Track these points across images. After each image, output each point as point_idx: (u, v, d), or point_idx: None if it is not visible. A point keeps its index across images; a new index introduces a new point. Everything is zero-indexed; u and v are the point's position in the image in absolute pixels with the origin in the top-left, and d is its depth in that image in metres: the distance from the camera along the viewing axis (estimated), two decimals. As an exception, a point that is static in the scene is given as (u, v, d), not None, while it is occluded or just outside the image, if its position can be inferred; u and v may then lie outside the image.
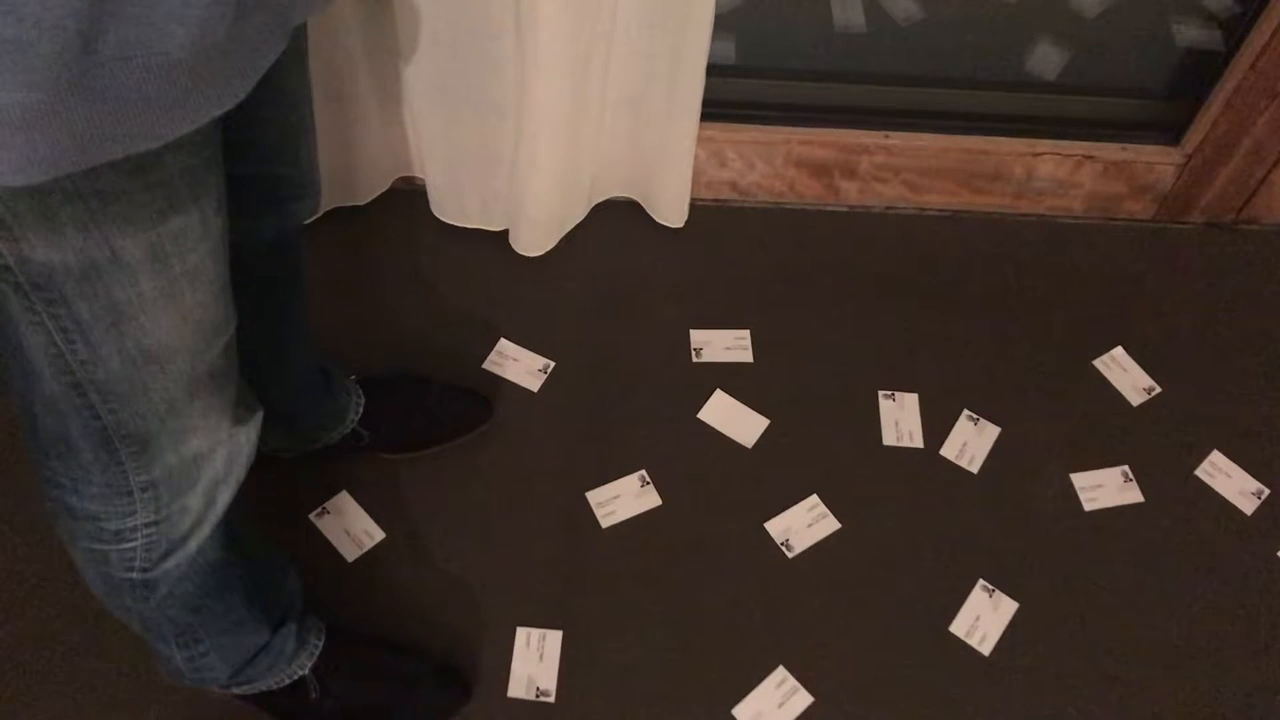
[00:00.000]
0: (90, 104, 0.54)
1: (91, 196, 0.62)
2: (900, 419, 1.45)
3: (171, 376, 0.75)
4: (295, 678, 1.12)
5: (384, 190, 1.59)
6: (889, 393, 1.47)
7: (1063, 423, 1.46)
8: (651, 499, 1.36)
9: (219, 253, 0.73)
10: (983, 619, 1.30)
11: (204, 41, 0.55)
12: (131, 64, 0.54)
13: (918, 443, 1.43)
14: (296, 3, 0.63)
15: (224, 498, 0.89)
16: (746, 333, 1.51)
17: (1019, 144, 1.58)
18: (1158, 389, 1.50)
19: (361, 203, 1.58)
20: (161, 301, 0.70)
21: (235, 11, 0.55)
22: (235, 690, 1.11)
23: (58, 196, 0.61)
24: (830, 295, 1.56)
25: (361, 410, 1.31)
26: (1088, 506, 1.39)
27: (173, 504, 0.84)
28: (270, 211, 0.98)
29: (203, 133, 0.65)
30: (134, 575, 0.89)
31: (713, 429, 1.42)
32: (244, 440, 0.88)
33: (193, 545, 0.90)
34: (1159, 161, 1.59)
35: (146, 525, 0.85)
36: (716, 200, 1.64)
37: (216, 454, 0.85)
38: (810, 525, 1.35)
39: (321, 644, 1.14)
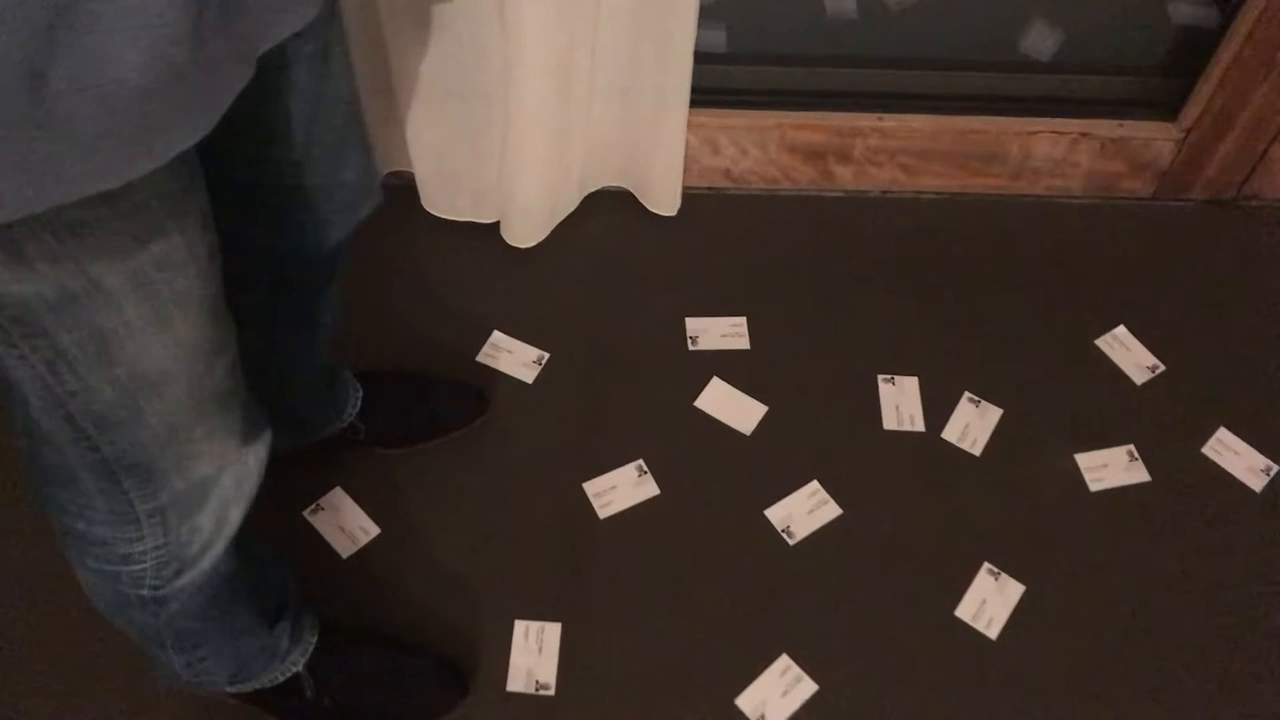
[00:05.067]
0: (45, 140, 0.51)
1: (61, 228, 0.59)
2: (900, 403, 1.43)
3: (170, 402, 0.73)
4: (289, 675, 1.10)
5: (374, 186, 1.58)
6: (888, 377, 1.45)
7: (1066, 403, 1.44)
8: (649, 488, 1.34)
9: (209, 274, 0.71)
10: (989, 602, 1.28)
11: (161, 67, 0.52)
12: (86, 95, 0.50)
13: (919, 426, 1.41)
14: (263, 30, 0.59)
15: (235, 516, 0.88)
16: (743, 320, 1.49)
17: (1014, 123, 1.56)
18: (1161, 367, 1.48)
19: (352, 199, 1.56)
20: (151, 328, 0.68)
21: (193, 34, 0.52)
22: (230, 689, 1.09)
23: (23, 229, 0.58)
24: (827, 280, 1.54)
25: (360, 404, 1.30)
26: (1093, 487, 1.37)
27: (181, 526, 0.83)
28: (330, 220, 0.96)
29: (179, 154, 0.61)
30: (145, 593, 0.87)
31: (710, 417, 1.40)
32: (253, 460, 0.86)
33: (206, 563, 0.88)
34: (1157, 138, 1.57)
35: (156, 548, 0.83)
36: (710, 188, 1.62)
37: (224, 476, 0.83)
38: (811, 512, 1.33)
39: (315, 640, 1.12)
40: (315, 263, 1.01)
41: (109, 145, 0.53)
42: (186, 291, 0.69)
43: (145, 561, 0.84)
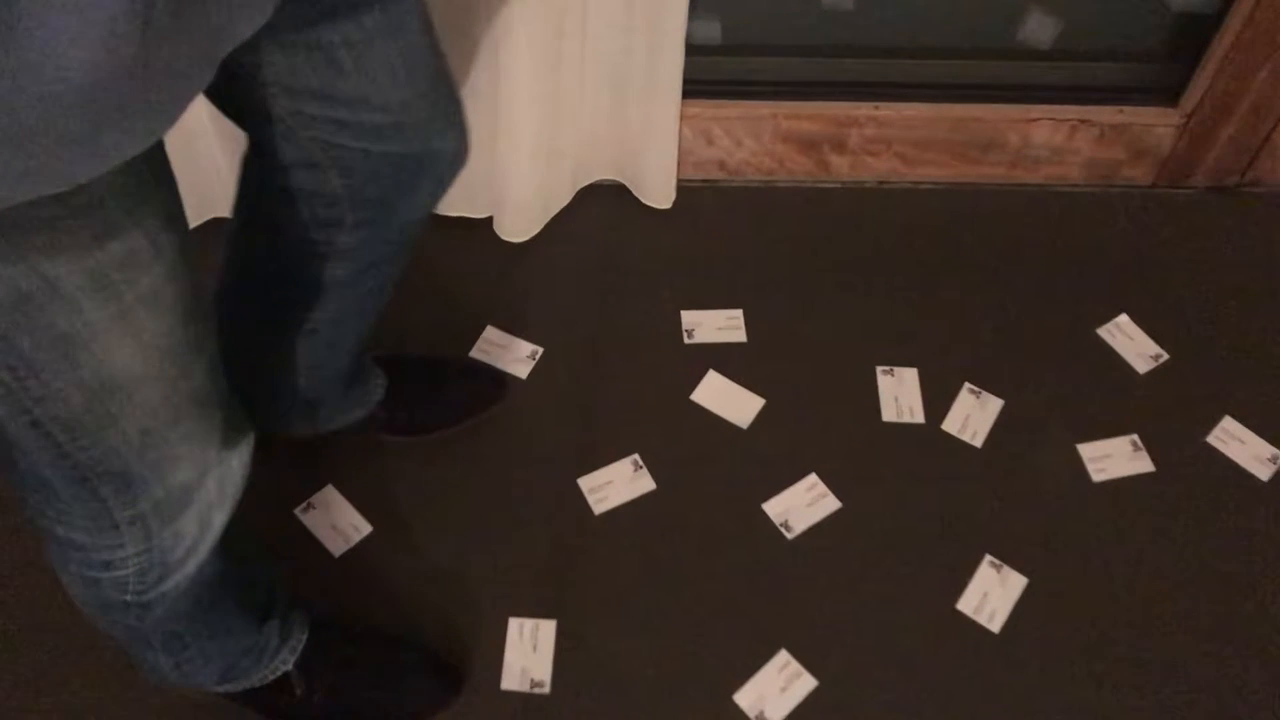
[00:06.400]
0: None
1: (9, 226, 0.57)
2: (900, 394, 1.41)
3: (142, 407, 0.71)
4: (279, 673, 1.09)
5: (366, 182, 1.56)
6: (887, 368, 1.43)
7: (1068, 393, 1.41)
8: (645, 483, 1.32)
9: (178, 273, 0.69)
10: (991, 596, 1.26)
11: (108, 68, 0.49)
12: (26, 94, 0.47)
13: (918, 418, 1.39)
14: (220, 30, 0.56)
15: (219, 520, 0.86)
16: (739, 312, 1.47)
17: (1012, 110, 1.54)
18: (1165, 356, 1.45)
19: (343, 195, 1.55)
20: (115, 330, 0.65)
21: (142, 34, 0.49)
22: (219, 689, 1.08)
23: None
24: (825, 272, 1.52)
25: (384, 391, 1.28)
26: (1096, 477, 1.35)
27: (164, 532, 0.81)
28: (420, 190, 0.94)
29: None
30: (128, 598, 0.86)
31: (707, 410, 1.39)
32: (236, 463, 0.84)
33: (191, 567, 0.86)
34: (1157, 124, 1.55)
35: (138, 554, 0.81)
36: (705, 180, 1.61)
37: (207, 480, 0.81)
38: (809, 505, 1.31)
39: (305, 638, 1.10)
40: (399, 235, 0.98)
41: (54, 148, 0.51)
42: (152, 292, 0.66)
43: (127, 568, 0.82)
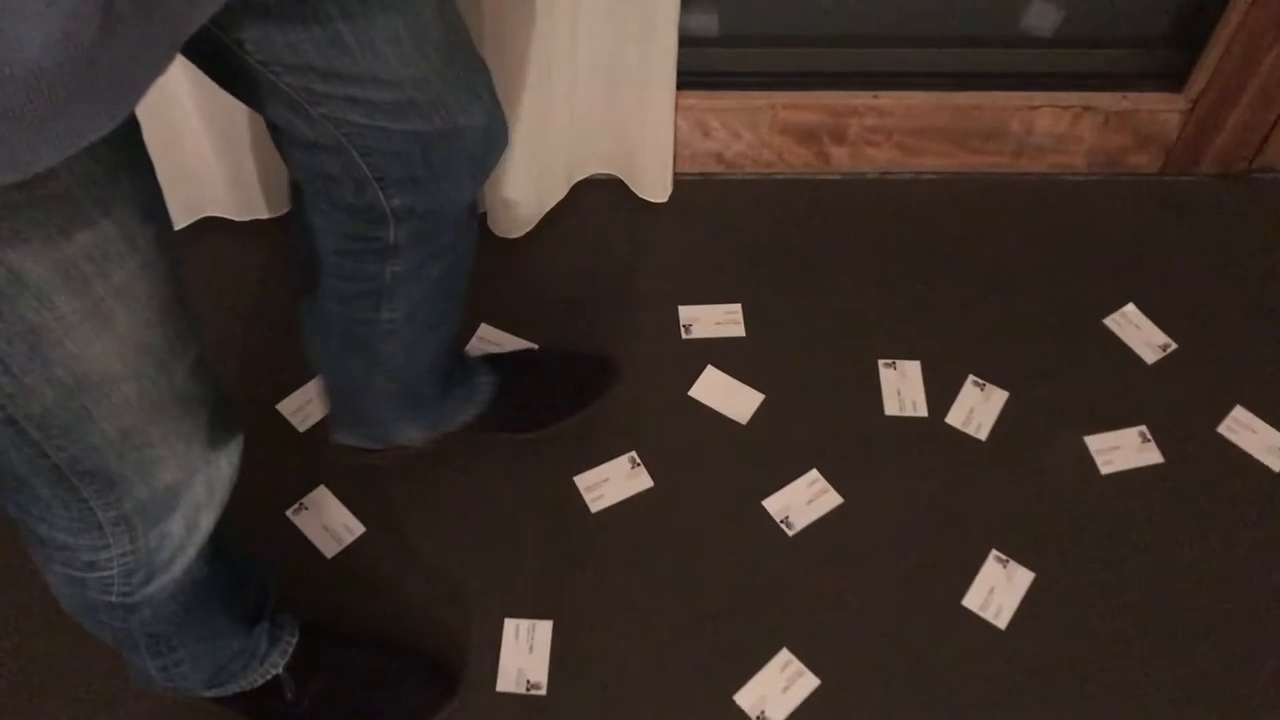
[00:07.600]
0: None
1: None
2: (902, 388, 1.38)
3: (120, 405, 0.69)
4: (269, 677, 1.07)
5: (359, 180, 1.55)
6: (889, 361, 1.40)
7: (1074, 384, 1.39)
8: (642, 481, 1.30)
9: (155, 267, 0.67)
10: (997, 591, 1.23)
11: (68, 50, 0.47)
12: None
13: (921, 411, 1.36)
14: (183, 12, 0.55)
15: (207, 522, 0.84)
16: (738, 307, 1.45)
17: (1014, 98, 1.51)
18: (1173, 345, 1.42)
19: (336, 193, 1.53)
20: (88, 324, 0.64)
21: (103, 14, 0.48)
22: (206, 693, 1.06)
23: None
24: (825, 265, 1.50)
25: (494, 389, 1.25)
26: (1104, 470, 1.32)
27: (149, 533, 0.79)
28: (453, 172, 0.90)
29: (106, 138, 0.57)
30: (113, 599, 0.84)
31: (705, 406, 1.36)
32: (225, 464, 0.83)
33: (178, 569, 0.85)
34: (1162, 110, 1.52)
35: (122, 555, 0.80)
36: (702, 173, 1.58)
37: (194, 482, 0.80)
38: (810, 501, 1.29)
39: (295, 641, 1.08)
40: (449, 223, 0.95)
41: (13, 131, 0.49)
42: (127, 286, 0.64)
43: (112, 569, 0.80)
